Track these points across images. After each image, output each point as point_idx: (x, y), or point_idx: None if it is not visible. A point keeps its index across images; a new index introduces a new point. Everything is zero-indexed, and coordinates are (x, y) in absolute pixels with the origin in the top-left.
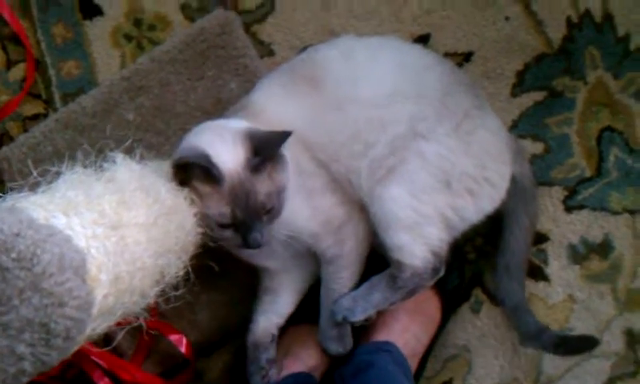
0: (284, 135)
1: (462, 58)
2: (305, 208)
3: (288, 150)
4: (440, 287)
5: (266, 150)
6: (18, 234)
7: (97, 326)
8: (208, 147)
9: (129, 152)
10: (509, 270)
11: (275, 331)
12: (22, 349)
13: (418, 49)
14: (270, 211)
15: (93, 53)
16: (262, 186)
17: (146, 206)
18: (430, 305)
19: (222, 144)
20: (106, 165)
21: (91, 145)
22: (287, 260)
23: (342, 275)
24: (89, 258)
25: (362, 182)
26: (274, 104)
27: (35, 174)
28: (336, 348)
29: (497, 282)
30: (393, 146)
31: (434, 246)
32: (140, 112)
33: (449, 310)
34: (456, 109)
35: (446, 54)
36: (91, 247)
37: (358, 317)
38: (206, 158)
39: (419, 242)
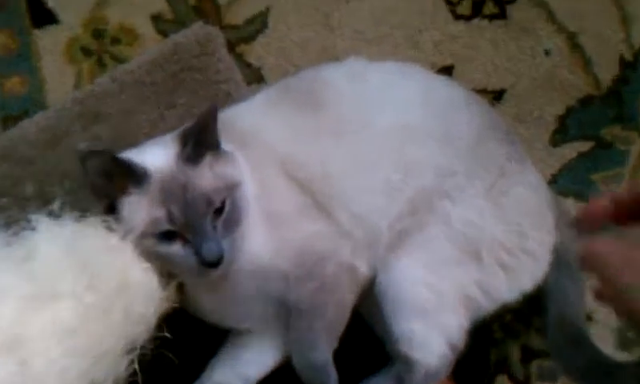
0: (213, 110)
1: (492, 97)
2: (272, 239)
3: (255, 166)
4: (456, 374)
5: (198, 135)
6: None
7: None
8: (131, 154)
9: (66, 207)
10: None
11: None
12: None
13: (443, 80)
14: (221, 212)
15: (42, 68)
16: (202, 179)
17: (72, 298)
18: None
19: (152, 146)
20: (25, 232)
21: (33, 180)
22: (264, 321)
23: (315, 326)
24: None
25: (363, 231)
26: (258, 124)
27: None
28: None
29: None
30: (413, 203)
31: (452, 337)
32: (95, 145)
33: None
34: (490, 162)
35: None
36: None
37: None
38: (124, 157)
39: (435, 332)
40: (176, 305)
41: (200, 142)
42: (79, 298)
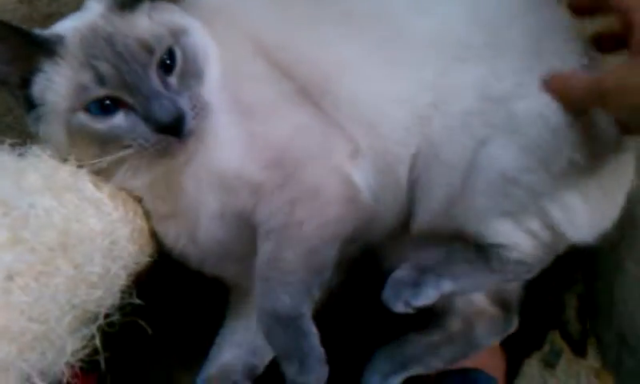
0: None
1: None
2: (240, 138)
3: (225, 46)
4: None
5: None
6: None
7: None
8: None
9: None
10: (624, 341)
11: (239, 376)
12: None
13: None
14: (171, 63)
15: None
16: (135, 25)
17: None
18: (491, 361)
19: (76, 13)
20: None
21: None
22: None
23: (287, 257)
24: None
25: (397, 147)
26: (243, 4)
27: None
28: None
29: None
30: (464, 121)
31: (542, 238)
32: None
33: (517, 363)
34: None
35: None
36: None
37: (430, 296)
38: (17, 26)
39: (524, 230)
40: (151, 259)
41: None
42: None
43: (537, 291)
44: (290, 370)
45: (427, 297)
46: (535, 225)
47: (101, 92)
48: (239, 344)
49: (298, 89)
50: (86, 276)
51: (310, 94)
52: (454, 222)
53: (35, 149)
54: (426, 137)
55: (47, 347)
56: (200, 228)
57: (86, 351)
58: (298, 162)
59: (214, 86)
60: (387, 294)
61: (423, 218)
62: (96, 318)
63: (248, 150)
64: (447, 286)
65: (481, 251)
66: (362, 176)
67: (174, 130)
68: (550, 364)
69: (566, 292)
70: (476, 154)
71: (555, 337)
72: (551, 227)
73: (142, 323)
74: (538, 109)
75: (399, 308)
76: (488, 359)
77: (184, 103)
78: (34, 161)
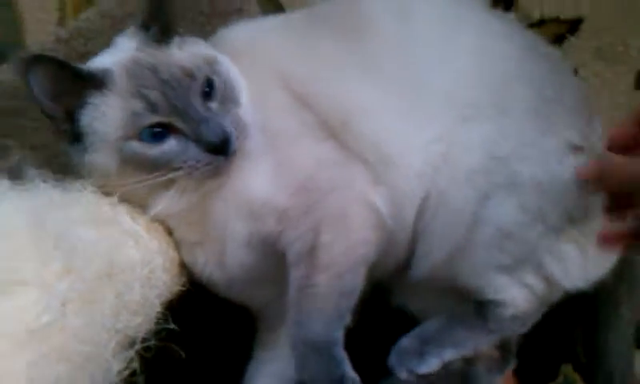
0: None
1: (567, 28)
2: (267, 167)
3: (251, 80)
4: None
5: (156, 14)
6: None
7: None
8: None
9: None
10: (611, 379)
11: None
12: None
13: (508, 27)
14: (211, 91)
15: (20, 6)
16: (174, 54)
17: (38, 287)
18: None
19: (110, 49)
20: None
21: (11, 136)
22: (282, 291)
23: (319, 283)
24: None
25: (409, 186)
26: (263, 39)
27: None
28: None
29: None
30: (468, 176)
31: (536, 290)
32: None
33: None
34: (554, 132)
35: (542, 22)
36: None
37: (432, 365)
38: (68, 62)
39: (519, 283)
40: (182, 288)
41: (164, 24)
42: (48, 286)
43: (550, 326)
44: None
45: (430, 366)
46: (531, 278)
47: (153, 119)
48: (270, 374)
49: (319, 122)
50: (127, 303)
51: (330, 127)
52: (454, 273)
53: (78, 184)
54: (435, 185)
55: (96, 368)
56: (227, 254)
57: (126, 373)
58: (322, 190)
59: (247, 110)
60: (392, 361)
61: (424, 266)
62: (134, 343)
63: (274, 178)
64: (449, 353)
65: (479, 313)
66: (383, 202)
67: (222, 149)
68: None
69: (577, 327)
70: (479, 209)
71: (568, 369)
72: (546, 279)
73: (176, 348)
74: (539, 170)
75: (403, 375)
76: None
77: (228, 125)
78: (77, 195)
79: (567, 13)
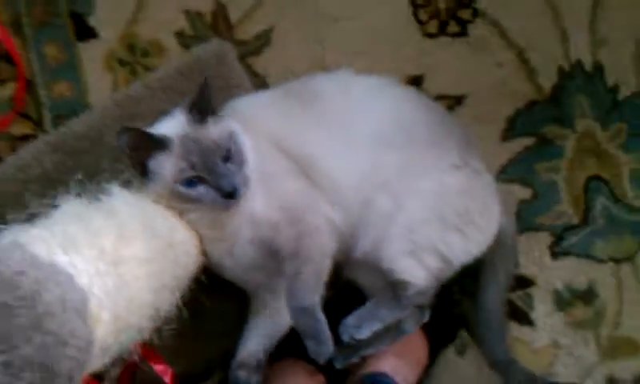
0: (206, 84)
1: (454, 101)
2: (264, 195)
3: (253, 141)
4: (428, 328)
5: (199, 104)
6: (21, 273)
7: (93, 364)
8: (151, 127)
9: (125, 183)
10: (490, 328)
11: (262, 356)
12: None
13: (410, 94)
14: (229, 156)
15: (85, 76)
16: (209, 132)
17: (144, 241)
18: (417, 346)
19: (164, 120)
20: (102, 196)
21: (81, 169)
22: (270, 278)
23: (303, 271)
24: (90, 297)
25: (350, 200)
26: (258, 112)
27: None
28: (342, 361)
29: (480, 341)
30: (386, 188)
31: (433, 270)
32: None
33: (435, 352)
34: (444, 155)
35: (439, 96)
36: (93, 285)
37: (365, 333)
38: (146, 131)
39: (421, 266)
40: (204, 262)
41: (202, 108)
42: (147, 241)
43: (448, 302)
44: (310, 343)
45: (363, 334)
46: (430, 260)
47: (192, 173)
48: (259, 335)
49: (295, 165)
50: (177, 265)
51: (302, 167)
52: (378, 257)
53: (145, 195)
54: (365, 193)
55: (168, 300)
56: (236, 248)
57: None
58: (300, 210)
59: (251, 164)
60: (340, 331)
61: (359, 250)
62: (180, 290)
63: (269, 201)
64: (376, 325)
65: (393, 296)
66: (336, 216)
67: (232, 196)
68: (460, 352)
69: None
70: (392, 209)
71: (464, 333)
72: (441, 259)
73: (203, 298)
74: (435, 182)
75: (346, 339)
76: (414, 347)
77: (238, 180)
78: (147, 200)
79: (456, 91)
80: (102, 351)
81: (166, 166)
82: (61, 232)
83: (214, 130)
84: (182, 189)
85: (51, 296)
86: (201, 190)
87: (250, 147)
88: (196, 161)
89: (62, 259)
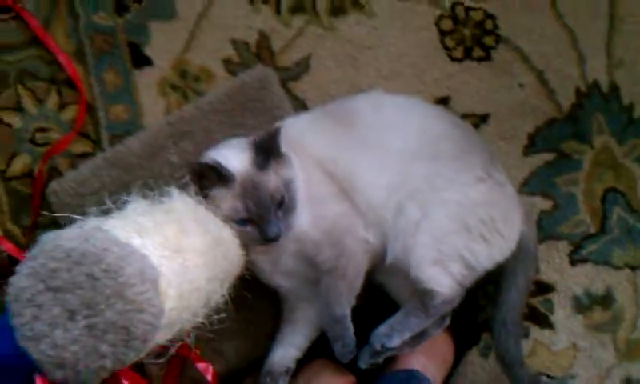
0: (277, 131)
1: (479, 119)
2: (310, 215)
3: (301, 162)
4: (453, 331)
5: (266, 147)
6: (106, 249)
7: (159, 337)
8: (218, 155)
9: (183, 186)
10: (506, 326)
11: (291, 364)
12: (104, 348)
13: (438, 111)
14: (282, 203)
15: (140, 99)
16: (269, 180)
17: (199, 235)
18: (444, 347)
19: (231, 151)
20: (163, 198)
21: (136, 183)
22: (305, 286)
23: (337, 284)
24: (160, 275)
25: (383, 213)
26: (304, 134)
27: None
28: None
29: (494, 338)
30: (414, 197)
31: (457, 277)
32: (183, 155)
33: (461, 353)
34: (470, 168)
35: (464, 115)
36: (162, 266)
37: (395, 342)
38: (217, 162)
39: (446, 273)
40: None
41: (267, 152)
42: (202, 235)
43: (473, 308)
44: (337, 346)
45: (394, 342)
46: (455, 267)
47: (245, 215)
48: (290, 344)
49: (339, 190)
50: (225, 261)
51: (345, 191)
52: (406, 265)
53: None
54: (397, 203)
55: (218, 291)
56: (281, 259)
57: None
58: (341, 232)
59: (299, 184)
60: (372, 338)
61: (390, 256)
62: (206, 305)
63: (314, 221)
64: (406, 335)
65: (421, 306)
66: (371, 235)
67: (273, 240)
68: (484, 354)
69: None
70: (420, 219)
71: (487, 336)
72: (466, 266)
73: (248, 294)
74: (459, 194)
75: (377, 347)
76: (442, 347)
77: (282, 227)
78: (201, 205)
79: (480, 111)
80: (167, 327)
81: (224, 200)
82: (133, 222)
83: (273, 178)
84: (234, 224)
85: (132, 269)
86: (248, 229)
87: (298, 167)
88: (251, 206)
89: (137, 242)
